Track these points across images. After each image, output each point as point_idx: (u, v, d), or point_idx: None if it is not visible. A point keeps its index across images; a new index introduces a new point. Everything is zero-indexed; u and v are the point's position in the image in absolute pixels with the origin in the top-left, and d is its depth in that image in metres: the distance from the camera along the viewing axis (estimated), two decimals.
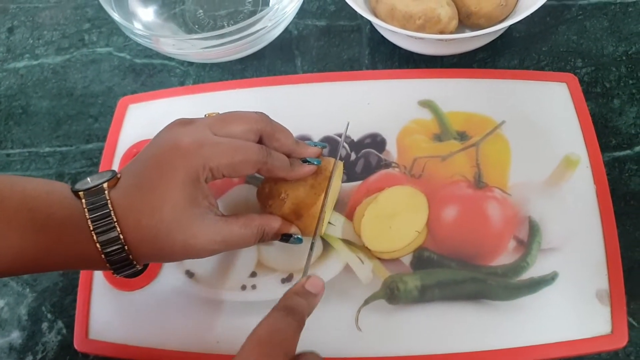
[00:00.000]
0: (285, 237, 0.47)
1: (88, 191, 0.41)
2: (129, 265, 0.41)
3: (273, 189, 0.48)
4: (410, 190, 0.53)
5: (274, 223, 0.46)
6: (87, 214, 0.40)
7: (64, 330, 0.53)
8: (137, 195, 0.41)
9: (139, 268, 0.42)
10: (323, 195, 0.47)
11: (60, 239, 0.40)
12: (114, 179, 0.42)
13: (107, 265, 0.40)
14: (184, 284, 0.52)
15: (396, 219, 0.51)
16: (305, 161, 0.48)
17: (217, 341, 0.49)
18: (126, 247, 0.40)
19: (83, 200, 0.40)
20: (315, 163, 0.48)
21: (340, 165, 0.51)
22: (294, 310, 0.40)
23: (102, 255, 0.40)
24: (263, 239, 0.46)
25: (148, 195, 0.41)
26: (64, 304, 0.54)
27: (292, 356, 0.37)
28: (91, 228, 0.39)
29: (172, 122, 0.45)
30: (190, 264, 0.52)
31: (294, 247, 0.51)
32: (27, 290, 0.55)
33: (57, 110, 0.65)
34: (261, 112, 0.47)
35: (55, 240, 0.40)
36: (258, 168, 0.44)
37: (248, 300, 0.50)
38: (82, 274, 0.53)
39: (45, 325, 0.53)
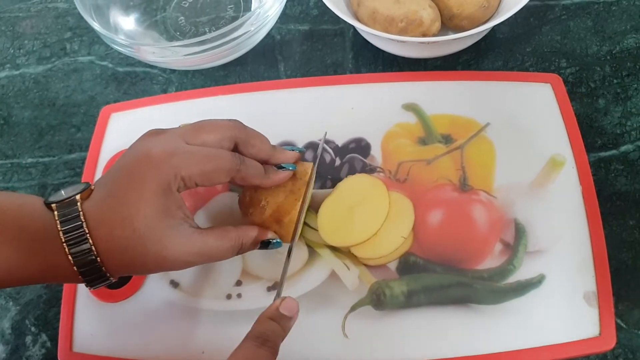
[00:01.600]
0: (264, 244, 0.46)
1: (60, 203, 0.40)
2: (102, 277, 0.41)
3: (253, 196, 0.47)
4: (396, 195, 0.52)
5: (251, 232, 0.46)
6: (59, 226, 0.39)
7: (48, 344, 0.52)
8: (109, 206, 0.40)
9: (113, 281, 0.42)
10: (300, 200, 0.47)
11: (32, 251, 0.39)
12: (87, 190, 0.41)
13: (80, 277, 0.40)
14: (168, 294, 0.51)
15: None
16: (280, 167, 0.47)
17: (202, 351, 0.48)
18: (98, 258, 0.39)
19: (55, 213, 0.40)
20: (290, 169, 0.47)
21: (312, 168, 0.50)
22: (267, 339, 0.39)
23: (74, 268, 0.39)
24: (241, 249, 0.45)
25: (120, 206, 0.40)
26: (48, 316, 0.53)
27: None
28: (63, 240, 0.39)
29: (144, 133, 0.45)
30: (175, 273, 0.52)
31: (279, 255, 0.50)
32: (11, 303, 0.54)
33: (39, 121, 0.64)
34: (235, 120, 0.46)
35: (27, 253, 0.39)
36: (231, 176, 0.43)
37: (234, 309, 0.50)
38: (66, 286, 0.52)
39: (29, 338, 0.53)
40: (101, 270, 0.40)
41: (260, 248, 0.47)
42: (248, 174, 0.44)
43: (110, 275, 0.41)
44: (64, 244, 0.39)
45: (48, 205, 0.41)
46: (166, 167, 0.41)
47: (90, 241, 0.39)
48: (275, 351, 0.39)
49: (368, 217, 0.51)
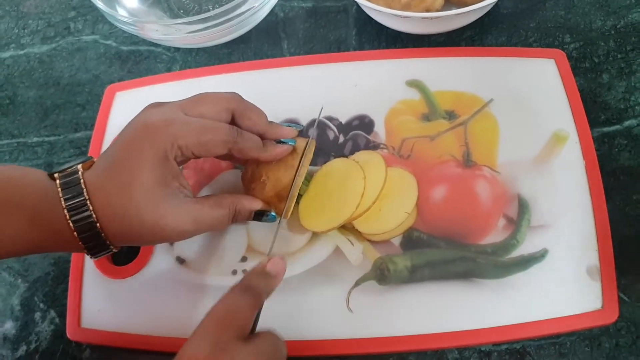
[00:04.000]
0: (258, 215, 0.47)
1: (63, 173, 0.42)
2: (103, 246, 0.42)
3: (255, 172, 0.48)
4: (399, 171, 0.53)
5: (245, 200, 0.46)
6: (60, 193, 0.40)
7: (57, 320, 0.53)
8: (107, 174, 0.41)
9: (114, 250, 0.43)
10: (294, 174, 0.47)
11: (35, 218, 0.40)
12: (89, 162, 0.43)
13: (81, 243, 0.41)
14: (174, 271, 0.52)
15: (384, 200, 0.51)
16: (279, 142, 0.47)
17: None
18: (98, 224, 0.40)
19: (57, 181, 0.41)
20: (290, 143, 0.48)
21: (312, 144, 0.50)
22: (250, 288, 0.40)
23: (75, 234, 0.40)
24: (236, 218, 0.46)
25: (117, 173, 0.41)
26: (56, 293, 0.54)
27: (247, 332, 0.38)
28: (64, 205, 0.40)
29: (145, 107, 0.45)
30: (181, 250, 0.52)
31: (284, 231, 0.51)
32: (19, 280, 0.55)
33: (45, 100, 0.65)
34: (233, 92, 0.47)
35: (30, 220, 0.40)
36: (228, 147, 0.44)
37: None
38: (73, 262, 0.53)
39: (38, 315, 0.53)
40: (101, 237, 0.41)
41: (255, 219, 0.47)
42: (245, 147, 0.45)
43: (111, 244, 0.42)
44: (65, 210, 0.40)
45: (51, 175, 0.42)
46: (163, 136, 0.42)
47: (90, 208, 0.40)
48: (258, 300, 0.40)
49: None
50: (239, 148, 0.44)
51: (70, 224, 0.40)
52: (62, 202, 0.40)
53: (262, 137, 0.47)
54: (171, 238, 0.44)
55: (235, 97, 0.46)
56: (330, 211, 0.51)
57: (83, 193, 0.40)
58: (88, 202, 0.40)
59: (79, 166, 0.42)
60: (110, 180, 0.41)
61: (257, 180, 0.47)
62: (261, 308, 0.41)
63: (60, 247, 0.42)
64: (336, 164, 0.54)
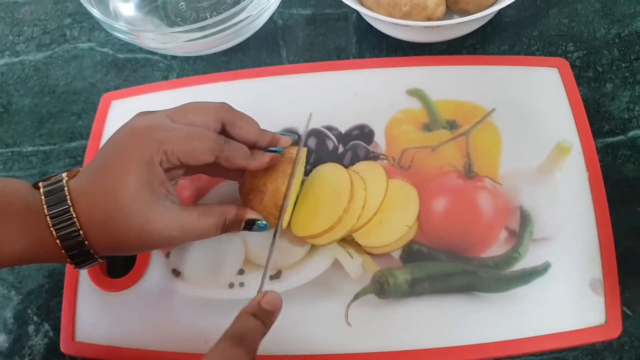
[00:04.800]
0: (249, 225, 0.46)
1: (46, 180, 0.42)
2: (86, 254, 0.41)
3: (252, 182, 0.47)
4: (400, 183, 0.52)
5: (236, 210, 0.46)
6: (43, 200, 0.40)
7: (51, 333, 0.52)
8: (92, 179, 0.41)
9: (98, 259, 0.42)
10: (287, 184, 0.46)
11: (18, 225, 0.40)
12: (75, 170, 0.43)
13: (63, 252, 0.40)
14: (170, 284, 0.51)
15: (385, 212, 0.50)
16: (269, 151, 0.47)
17: (205, 340, 0.48)
18: (81, 231, 0.40)
19: (41, 189, 0.41)
20: (279, 151, 0.47)
21: (303, 151, 0.50)
22: (244, 338, 0.38)
23: (58, 241, 0.40)
24: (226, 228, 0.45)
25: (102, 178, 0.41)
26: (50, 306, 0.53)
27: None
28: (46, 212, 0.40)
29: (134, 115, 0.45)
30: (177, 262, 0.51)
31: (282, 243, 0.50)
32: (13, 292, 0.54)
33: (40, 108, 0.64)
34: (223, 102, 0.46)
35: (13, 228, 0.40)
36: (215, 155, 0.43)
37: (236, 298, 0.49)
38: (67, 275, 0.52)
39: (31, 328, 0.52)
40: (84, 245, 0.40)
41: (245, 229, 0.46)
42: (233, 155, 0.44)
43: (95, 253, 0.41)
44: (48, 217, 0.39)
45: (35, 185, 0.42)
46: (149, 140, 0.41)
47: (74, 215, 0.40)
48: (252, 350, 0.38)
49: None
50: (226, 156, 0.44)
51: (53, 231, 0.39)
52: (45, 210, 0.40)
53: (255, 145, 0.47)
54: (158, 244, 0.43)
55: (224, 106, 0.46)
56: (320, 216, 0.50)
57: (66, 200, 0.40)
58: (71, 208, 0.40)
59: (64, 174, 0.42)
60: (96, 185, 0.41)
61: (255, 191, 0.47)
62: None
63: (45, 256, 0.41)
64: (321, 170, 0.53)
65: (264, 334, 0.40)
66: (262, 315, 0.40)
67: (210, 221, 0.44)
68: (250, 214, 0.46)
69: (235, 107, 0.47)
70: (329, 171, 0.52)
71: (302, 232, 0.50)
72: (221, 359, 0.37)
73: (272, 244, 0.46)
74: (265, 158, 0.46)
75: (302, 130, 0.55)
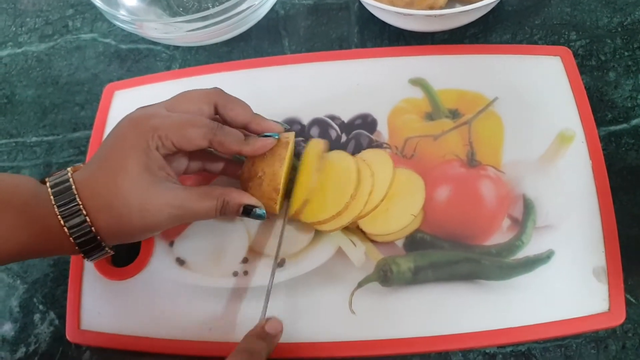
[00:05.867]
0: (247, 211, 0.46)
1: (52, 175, 0.43)
2: (93, 242, 0.42)
3: (250, 170, 0.47)
4: (407, 173, 0.52)
5: (235, 193, 0.46)
6: (49, 190, 0.42)
7: (56, 321, 0.52)
8: (94, 169, 0.43)
9: (107, 250, 0.43)
10: (284, 167, 0.47)
11: (24, 213, 0.41)
12: (78, 166, 0.45)
13: (71, 239, 0.41)
14: (175, 272, 0.51)
15: (391, 201, 0.50)
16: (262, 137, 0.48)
17: (209, 328, 0.48)
18: (87, 218, 0.41)
19: (48, 184, 0.42)
20: (274, 136, 0.47)
21: (292, 135, 0.50)
22: (253, 352, 0.42)
23: (65, 229, 0.41)
24: (224, 210, 0.46)
25: (103, 165, 0.43)
26: (56, 295, 0.53)
27: None
28: (53, 202, 0.41)
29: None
30: (181, 251, 0.52)
31: (284, 232, 0.50)
32: (18, 282, 0.54)
33: (43, 99, 0.64)
34: (216, 87, 0.48)
35: (19, 216, 0.41)
36: (209, 139, 0.44)
37: (240, 287, 0.50)
38: (72, 264, 0.52)
39: (37, 316, 0.53)
40: (91, 231, 0.41)
41: (243, 214, 0.46)
42: (226, 140, 0.45)
43: (102, 240, 0.42)
44: (54, 206, 0.41)
45: (42, 181, 0.44)
46: (145, 127, 0.43)
47: (79, 200, 0.41)
48: None
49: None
50: (219, 140, 0.45)
51: (61, 220, 0.41)
52: (52, 200, 0.41)
53: (247, 128, 0.48)
54: (159, 223, 0.44)
55: (217, 90, 0.48)
56: (329, 203, 0.50)
57: (72, 189, 0.41)
58: (77, 197, 0.41)
59: (69, 169, 0.44)
60: (98, 174, 0.43)
61: (253, 178, 0.47)
62: None
63: (53, 246, 0.42)
64: (329, 158, 0.53)
65: (270, 352, 0.44)
66: (266, 337, 0.44)
67: (209, 202, 0.45)
68: (248, 199, 0.46)
69: (237, 97, 0.48)
70: (336, 158, 0.53)
71: (312, 218, 0.50)
72: None
73: (280, 238, 0.47)
74: (258, 142, 0.47)
75: (304, 120, 0.56)
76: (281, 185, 0.47)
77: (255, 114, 0.48)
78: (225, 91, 0.48)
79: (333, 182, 0.51)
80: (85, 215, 0.41)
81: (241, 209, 0.46)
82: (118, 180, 0.42)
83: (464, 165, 0.52)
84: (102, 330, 0.50)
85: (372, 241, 0.50)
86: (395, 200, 0.50)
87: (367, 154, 0.53)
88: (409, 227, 0.50)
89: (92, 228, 0.41)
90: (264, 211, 0.47)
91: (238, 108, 0.47)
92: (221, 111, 0.47)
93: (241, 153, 0.46)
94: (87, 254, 0.43)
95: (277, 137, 0.48)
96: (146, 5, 0.64)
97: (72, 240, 0.41)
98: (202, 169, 0.51)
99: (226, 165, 0.52)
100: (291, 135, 0.49)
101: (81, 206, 0.41)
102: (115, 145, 0.44)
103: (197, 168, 0.51)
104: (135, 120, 0.44)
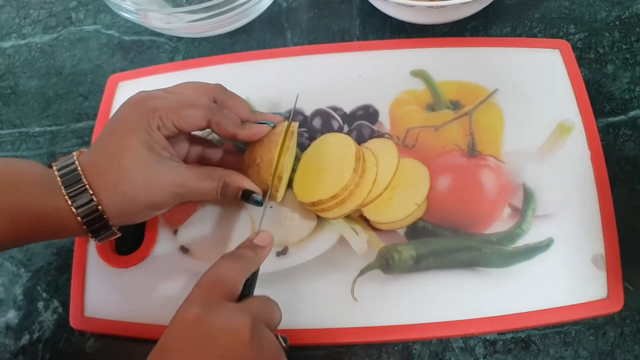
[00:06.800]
0: (245, 195, 0.47)
1: (59, 159, 0.44)
2: (100, 221, 0.43)
3: (250, 157, 0.48)
4: (412, 162, 0.52)
5: (235, 176, 0.47)
6: (56, 173, 0.43)
7: (60, 309, 0.53)
8: (98, 149, 0.44)
9: (112, 227, 0.44)
10: (276, 151, 0.47)
11: (32, 195, 0.42)
12: (82, 151, 0.46)
13: (79, 218, 0.42)
14: (178, 260, 0.51)
15: (395, 189, 0.51)
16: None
17: None
18: (94, 198, 0.42)
19: (54, 167, 0.43)
20: (270, 124, 0.48)
21: (295, 125, 0.51)
22: (238, 256, 0.42)
23: (72, 208, 0.42)
24: (224, 192, 0.46)
25: (106, 146, 0.44)
26: (59, 282, 0.54)
27: (236, 294, 0.40)
28: (60, 183, 0.42)
29: None
30: (185, 239, 0.52)
31: (288, 221, 0.51)
32: (22, 270, 0.55)
33: (46, 90, 0.64)
34: (217, 83, 0.49)
35: (27, 198, 0.42)
36: (207, 120, 0.45)
37: None
38: (76, 251, 0.53)
39: (41, 304, 0.53)
40: (98, 211, 0.42)
41: (242, 199, 0.47)
42: (223, 121, 0.46)
43: (108, 219, 0.43)
44: (62, 187, 0.42)
45: (48, 166, 0.44)
46: (145, 107, 0.44)
47: (84, 180, 0.42)
48: (246, 265, 0.42)
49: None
50: (217, 121, 0.45)
51: (68, 200, 0.42)
52: (59, 181, 0.42)
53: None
54: (163, 200, 0.45)
55: (217, 86, 0.48)
56: (323, 184, 0.50)
57: (78, 170, 0.42)
58: (83, 177, 0.42)
59: (74, 153, 0.44)
60: (102, 154, 0.44)
61: (253, 165, 0.48)
62: (256, 278, 0.43)
63: (60, 227, 0.43)
64: (326, 139, 0.53)
65: (256, 263, 0.44)
66: (254, 248, 0.44)
67: (210, 182, 0.46)
68: (248, 184, 0.47)
69: (240, 89, 0.49)
70: (332, 139, 0.53)
71: (304, 197, 0.50)
72: (215, 268, 0.41)
73: (263, 210, 0.47)
74: (254, 128, 0.48)
75: (307, 112, 0.56)
76: (277, 172, 0.47)
77: (253, 111, 0.49)
78: (229, 82, 0.49)
79: (328, 163, 0.51)
80: (91, 195, 0.42)
81: (240, 192, 0.47)
82: (122, 159, 0.43)
83: (465, 155, 0.52)
84: (105, 317, 0.50)
85: (374, 229, 0.50)
86: (400, 189, 0.51)
87: (373, 143, 0.54)
88: (413, 215, 0.50)
89: (99, 207, 0.42)
90: (261, 198, 0.47)
91: (237, 105, 0.48)
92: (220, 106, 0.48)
93: (237, 136, 0.47)
94: (95, 234, 0.44)
95: (272, 125, 0.48)
96: None
97: (80, 220, 0.42)
98: (201, 156, 0.52)
99: (224, 155, 0.52)
100: (294, 125, 0.50)
101: (87, 186, 0.42)
102: (117, 126, 0.44)
103: (196, 154, 0.51)
104: (136, 102, 0.45)
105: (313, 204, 0.49)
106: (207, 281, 0.40)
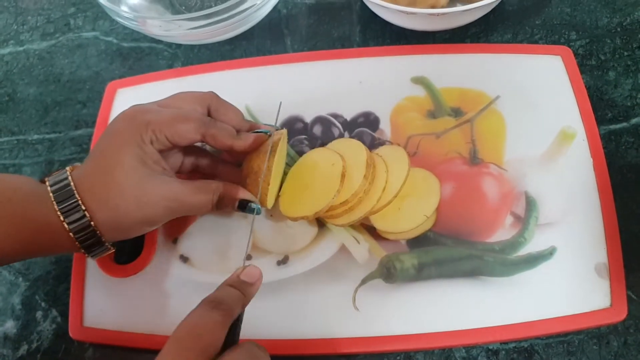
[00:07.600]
0: (242, 205, 0.47)
1: (51, 174, 0.44)
2: (93, 236, 0.42)
3: (247, 166, 0.48)
4: (423, 173, 0.52)
5: (230, 188, 0.47)
6: (49, 188, 0.42)
7: (59, 319, 0.52)
8: (90, 165, 0.44)
9: (105, 242, 0.44)
10: (266, 160, 0.47)
11: (25, 212, 0.42)
12: (77, 165, 0.46)
13: (71, 234, 0.42)
14: (178, 269, 0.51)
15: (405, 200, 0.50)
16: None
17: None
18: (86, 213, 0.42)
19: (47, 182, 0.43)
20: (266, 133, 0.48)
21: (284, 133, 0.51)
22: (220, 303, 0.38)
23: (64, 224, 0.41)
24: (220, 204, 0.46)
25: (98, 161, 0.44)
26: (58, 292, 0.53)
27: (216, 351, 0.36)
28: (52, 199, 0.42)
29: None
30: (185, 248, 0.52)
31: (289, 230, 0.51)
32: (20, 279, 0.54)
33: (45, 97, 0.64)
34: (210, 91, 0.48)
35: (20, 214, 0.42)
36: (201, 133, 0.45)
37: None
38: (75, 261, 0.52)
39: (39, 314, 0.53)
40: (90, 226, 0.42)
41: (239, 209, 0.47)
42: (218, 134, 0.45)
43: (101, 235, 0.43)
44: (54, 203, 0.42)
45: (41, 181, 0.44)
46: (138, 121, 0.44)
47: (77, 196, 0.42)
48: (228, 314, 0.38)
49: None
50: (212, 134, 0.45)
51: (60, 215, 0.41)
52: (52, 197, 0.42)
53: (238, 133, 0.48)
54: (156, 216, 0.44)
55: (211, 94, 0.48)
56: (309, 200, 0.50)
57: (70, 186, 0.42)
58: (75, 192, 0.42)
59: (67, 168, 0.44)
60: (94, 169, 0.44)
61: (250, 174, 0.47)
62: (241, 320, 0.40)
63: (53, 243, 0.43)
64: (313, 155, 0.53)
65: (244, 303, 0.40)
66: (240, 286, 0.40)
67: (205, 196, 0.45)
68: (243, 194, 0.47)
69: (240, 96, 0.50)
70: (316, 155, 0.53)
71: (290, 212, 0.50)
72: (193, 320, 0.37)
73: (251, 226, 0.47)
74: (250, 137, 0.47)
75: (307, 119, 0.56)
76: (266, 177, 0.47)
77: (247, 120, 0.49)
78: (228, 89, 0.49)
79: (315, 175, 0.51)
80: (84, 211, 0.42)
81: (237, 203, 0.47)
82: (114, 174, 0.42)
83: (467, 163, 0.52)
84: (105, 327, 0.50)
85: (376, 238, 0.50)
86: (409, 199, 0.51)
87: (384, 150, 0.53)
88: (421, 227, 0.50)
89: (92, 223, 0.42)
90: (259, 206, 0.47)
91: (230, 113, 0.48)
92: (213, 115, 0.48)
93: (233, 147, 0.47)
94: (88, 250, 0.43)
95: (268, 133, 0.48)
96: (148, 3, 0.64)
97: (72, 236, 0.42)
98: (195, 166, 0.51)
99: (219, 164, 0.52)
100: (282, 132, 0.50)
101: (80, 202, 0.42)
102: (110, 141, 0.44)
103: (191, 164, 0.51)
104: (129, 116, 0.45)
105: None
106: (179, 338, 0.36)
